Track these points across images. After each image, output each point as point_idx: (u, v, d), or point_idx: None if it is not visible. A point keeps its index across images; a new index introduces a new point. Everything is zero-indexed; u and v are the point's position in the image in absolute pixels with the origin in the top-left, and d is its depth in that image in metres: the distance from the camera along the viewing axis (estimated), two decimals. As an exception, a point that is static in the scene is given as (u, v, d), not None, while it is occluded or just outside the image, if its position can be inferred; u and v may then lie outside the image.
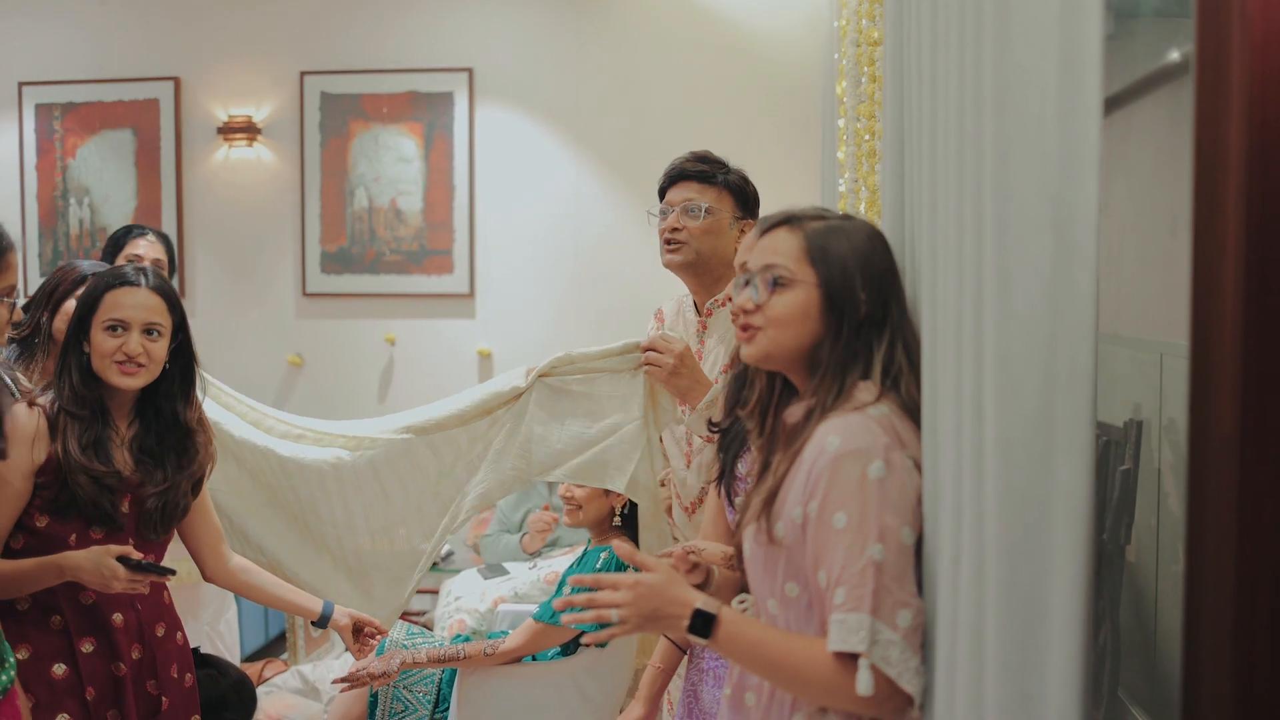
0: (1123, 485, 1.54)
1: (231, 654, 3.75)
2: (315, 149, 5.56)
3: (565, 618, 1.69)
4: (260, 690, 3.74)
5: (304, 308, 5.65)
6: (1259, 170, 0.94)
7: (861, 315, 1.64)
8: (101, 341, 2.37)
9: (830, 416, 1.59)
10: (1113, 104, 1.49)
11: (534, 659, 3.01)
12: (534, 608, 3.37)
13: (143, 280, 2.42)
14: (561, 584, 3.18)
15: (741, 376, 1.95)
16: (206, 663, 3.13)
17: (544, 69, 5.45)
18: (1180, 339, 1.04)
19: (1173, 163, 1.42)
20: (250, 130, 5.58)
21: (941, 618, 1.40)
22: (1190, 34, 1.00)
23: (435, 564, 4.09)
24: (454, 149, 5.47)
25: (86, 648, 2.36)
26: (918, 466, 1.54)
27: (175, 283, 3.85)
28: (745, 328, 1.69)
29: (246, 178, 5.65)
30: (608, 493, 2.96)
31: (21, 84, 5.70)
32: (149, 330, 2.38)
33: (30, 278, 5.49)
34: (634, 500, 2.87)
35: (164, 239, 3.58)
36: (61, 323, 2.75)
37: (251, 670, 3.97)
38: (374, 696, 3.22)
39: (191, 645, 3.26)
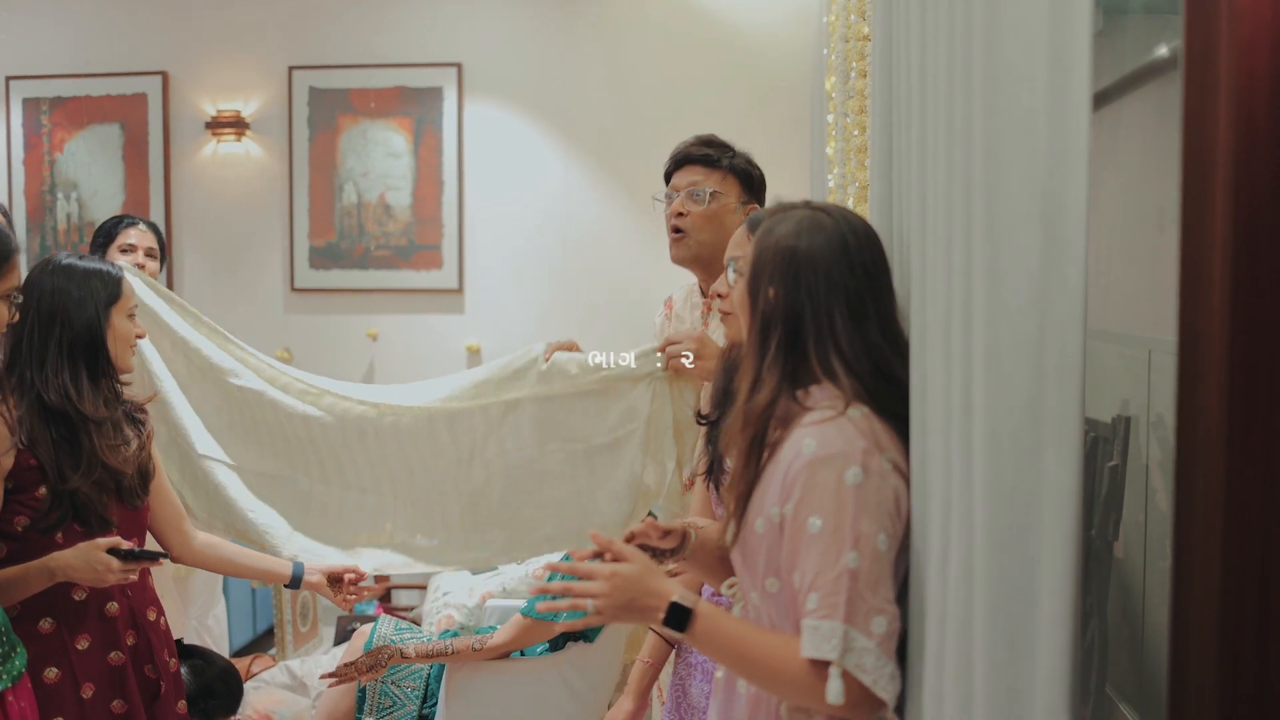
0: (1111, 481, 1.54)
1: (220, 649, 3.74)
2: (304, 144, 5.54)
3: (541, 605, 1.69)
4: (248, 685, 3.73)
5: (292, 303, 5.64)
6: (1247, 166, 0.94)
7: (764, 309, 1.63)
8: (128, 328, 2.42)
9: (806, 417, 1.58)
10: (1101, 99, 1.49)
11: (522, 654, 3.00)
12: (522, 603, 3.37)
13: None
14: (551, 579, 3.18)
15: (732, 368, 1.95)
16: (193, 653, 3.12)
17: (533, 64, 5.44)
18: (1168, 335, 1.04)
19: (1161, 158, 1.42)
20: (239, 125, 5.56)
21: (930, 612, 1.40)
22: (1179, 29, 1.00)
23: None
24: (443, 144, 5.46)
25: (82, 644, 2.33)
26: (896, 468, 1.53)
27: (164, 275, 3.83)
28: (725, 312, 1.76)
29: (235, 172, 5.63)
30: None
31: (9, 78, 5.67)
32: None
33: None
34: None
35: (154, 228, 3.59)
36: None
37: (240, 665, 3.96)
38: (362, 691, 3.22)
39: (179, 638, 3.26)
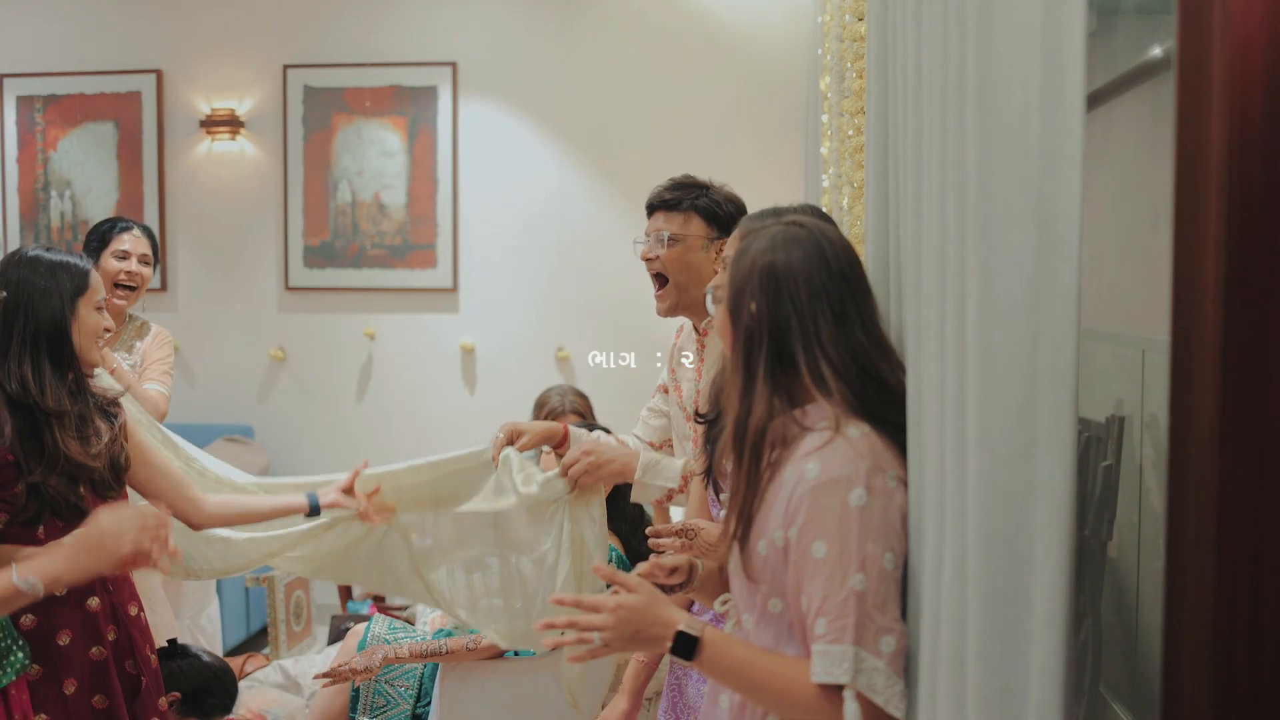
0: (1104, 481, 1.54)
1: (213, 648, 3.74)
2: (298, 143, 5.54)
3: (547, 640, 1.67)
4: (242, 685, 3.73)
5: (287, 302, 5.63)
6: (1240, 166, 0.94)
7: (747, 325, 1.62)
8: (95, 321, 2.39)
9: (806, 440, 1.57)
10: (1095, 100, 1.49)
11: (516, 654, 3.00)
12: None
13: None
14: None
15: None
16: (186, 653, 3.12)
17: (528, 63, 5.44)
18: (1162, 335, 1.04)
19: (1154, 158, 1.43)
20: (233, 123, 5.55)
21: (924, 611, 1.41)
22: (1172, 30, 1.00)
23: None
24: (437, 143, 5.46)
25: (64, 640, 2.33)
26: (901, 483, 1.53)
27: (158, 276, 3.83)
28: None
29: (229, 171, 5.63)
30: None
31: (3, 76, 5.67)
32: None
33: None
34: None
35: (148, 232, 3.59)
36: None
37: (233, 664, 3.96)
38: (356, 691, 3.22)
39: (172, 639, 3.25)
